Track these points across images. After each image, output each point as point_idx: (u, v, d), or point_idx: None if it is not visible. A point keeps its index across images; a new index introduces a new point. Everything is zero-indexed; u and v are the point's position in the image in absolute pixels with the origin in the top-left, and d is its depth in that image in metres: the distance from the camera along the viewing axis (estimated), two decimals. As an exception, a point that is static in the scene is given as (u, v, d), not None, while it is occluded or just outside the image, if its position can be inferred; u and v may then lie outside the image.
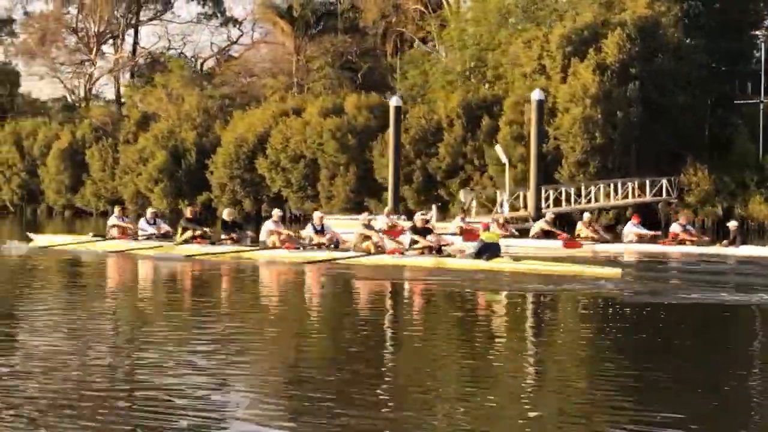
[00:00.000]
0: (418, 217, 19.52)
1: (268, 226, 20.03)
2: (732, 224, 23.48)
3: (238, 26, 79.73)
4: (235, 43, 79.72)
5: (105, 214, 50.00)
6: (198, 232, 20.74)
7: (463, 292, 14.30)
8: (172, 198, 49.99)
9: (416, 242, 18.35)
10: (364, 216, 21.85)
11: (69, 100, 76.45)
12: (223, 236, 20.74)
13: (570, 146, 36.97)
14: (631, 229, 24.20)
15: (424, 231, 18.83)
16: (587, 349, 9.31)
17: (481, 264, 16.86)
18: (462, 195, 35.00)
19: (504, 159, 34.65)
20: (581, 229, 24.25)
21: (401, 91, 50.84)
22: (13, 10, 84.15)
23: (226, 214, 22.22)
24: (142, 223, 22.51)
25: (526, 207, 34.92)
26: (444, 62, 50.42)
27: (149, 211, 23.28)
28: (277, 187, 45.78)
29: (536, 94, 33.41)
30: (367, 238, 18.83)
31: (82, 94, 76.90)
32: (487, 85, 43.96)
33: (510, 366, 8.23)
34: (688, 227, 24.39)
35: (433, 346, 9.40)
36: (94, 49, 75.60)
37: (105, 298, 13.79)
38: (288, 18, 62.13)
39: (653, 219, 33.78)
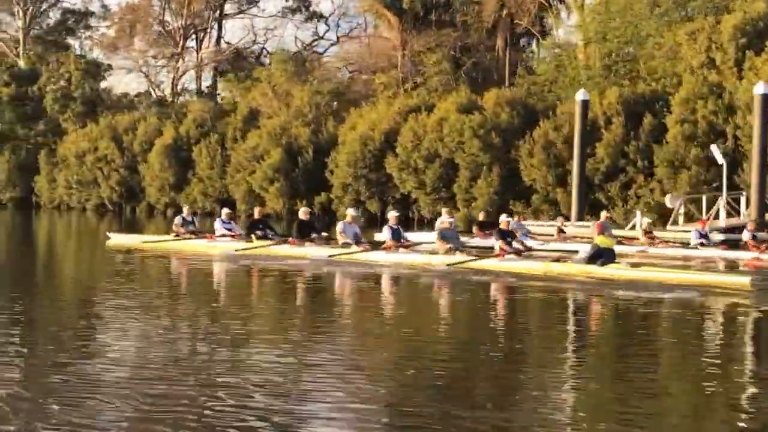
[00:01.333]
0: (503, 219, 19.83)
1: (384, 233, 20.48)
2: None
3: (324, 21, 77.55)
4: (322, 38, 77.57)
5: (210, 215, 47.80)
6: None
7: (591, 300, 14.39)
8: (287, 198, 47.26)
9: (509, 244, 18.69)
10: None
11: (153, 95, 74.32)
12: (297, 237, 20.85)
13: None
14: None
15: (507, 234, 19.17)
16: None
17: (595, 270, 16.34)
18: (668, 200, 31.87)
19: (720, 160, 31.53)
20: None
21: (524, 86, 47.90)
22: (90, 1, 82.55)
23: (302, 213, 22.13)
24: (217, 223, 23.20)
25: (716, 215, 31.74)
26: (576, 56, 47.33)
27: (224, 212, 23.93)
28: (407, 187, 42.90)
29: (761, 88, 29.90)
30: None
31: (167, 89, 74.83)
32: (642, 81, 40.68)
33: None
34: None
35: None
36: (181, 43, 73.37)
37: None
38: (395, 10, 59.45)
39: None
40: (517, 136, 40.04)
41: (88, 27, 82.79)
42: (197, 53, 74.72)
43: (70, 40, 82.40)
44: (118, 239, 24.31)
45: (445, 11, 60.07)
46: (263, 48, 79.22)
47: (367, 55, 60.89)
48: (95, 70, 65.97)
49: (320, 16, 78.41)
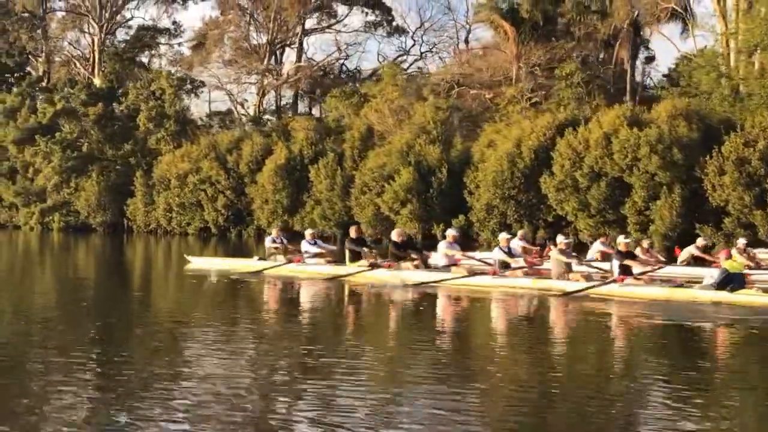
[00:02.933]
0: (622, 241, 18.98)
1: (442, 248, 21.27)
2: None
3: (410, 35, 74.06)
4: (407, 53, 74.11)
5: (328, 239, 44.54)
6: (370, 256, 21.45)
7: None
8: (422, 221, 43.66)
9: (627, 267, 17.93)
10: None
11: (235, 113, 71.14)
12: (395, 257, 21.13)
13: None
14: None
15: (629, 255, 18.56)
16: None
17: (727, 296, 15.91)
18: None
19: None
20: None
21: (669, 98, 44.28)
22: (160, 18, 79.41)
23: (395, 235, 22.14)
24: (304, 244, 23.18)
25: None
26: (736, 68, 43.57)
27: (308, 233, 24.32)
28: (566, 209, 39.24)
29: None
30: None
31: (250, 107, 71.48)
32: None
33: None
34: None
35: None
36: (266, 59, 70.02)
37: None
38: (511, 20, 55.95)
39: None
40: (700, 152, 36.30)
41: (161, 43, 79.94)
42: (278, 70, 71.40)
43: (143, 58, 79.68)
44: (197, 263, 25.07)
45: (563, 21, 56.57)
46: (343, 64, 76.12)
47: (478, 69, 57.14)
48: (188, 87, 62.74)
49: (403, 31, 75.11)
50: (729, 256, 17.33)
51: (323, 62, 73.15)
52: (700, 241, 24.94)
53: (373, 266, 20.98)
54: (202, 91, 65.91)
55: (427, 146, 46.31)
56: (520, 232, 27.81)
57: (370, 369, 10.39)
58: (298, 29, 70.95)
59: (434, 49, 72.76)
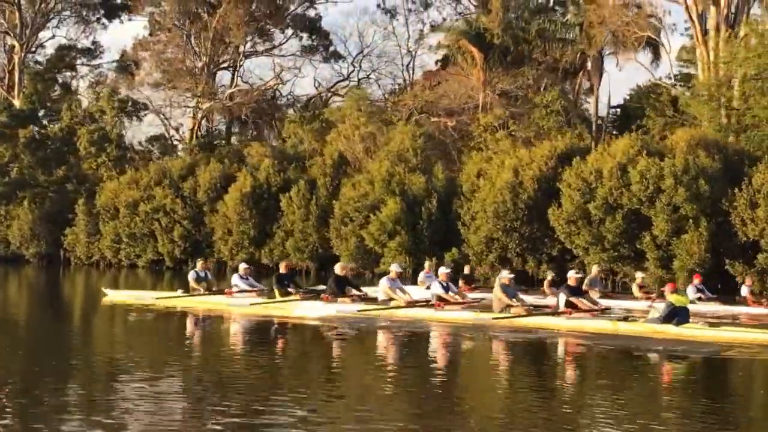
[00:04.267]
0: (572, 275, 18.94)
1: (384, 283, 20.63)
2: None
3: (351, 62, 71.46)
4: (347, 79, 71.50)
5: (304, 273, 42.12)
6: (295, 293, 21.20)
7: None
8: (411, 254, 41.07)
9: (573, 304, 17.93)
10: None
11: (169, 139, 67.35)
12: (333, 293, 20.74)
13: None
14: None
15: (578, 291, 18.61)
16: None
17: (672, 330, 16.03)
18: None
19: None
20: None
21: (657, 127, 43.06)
22: (78, 39, 74.85)
23: (338, 268, 21.78)
24: (235, 278, 22.79)
25: None
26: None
27: (242, 267, 23.50)
28: (576, 243, 37.24)
29: None
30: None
31: (185, 132, 67.80)
32: None
33: None
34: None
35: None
36: (203, 83, 66.35)
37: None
38: (478, 45, 54.05)
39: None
40: (724, 183, 34.81)
41: (87, 64, 75.47)
42: (216, 93, 67.90)
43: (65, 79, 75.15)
44: (115, 296, 24.43)
45: (528, 48, 54.91)
46: (276, 89, 73.04)
47: (441, 96, 54.82)
48: (131, 110, 58.80)
49: (340, 56, 72.56)
50: (675, 290, 17.35)
51: (263, 87, 69.94)
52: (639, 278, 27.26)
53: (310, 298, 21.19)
54: (145, 114, 61.73)
55: (410, 175, 43.85)
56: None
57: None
58: (239, 50, 67.73)
59: (372, 76, 70.53)
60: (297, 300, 21.15)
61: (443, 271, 21.09)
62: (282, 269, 22.68)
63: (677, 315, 16.36)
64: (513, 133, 48.10)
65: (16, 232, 56.61)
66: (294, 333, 19.06)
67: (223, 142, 66.28)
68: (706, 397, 11.09)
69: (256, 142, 56.06)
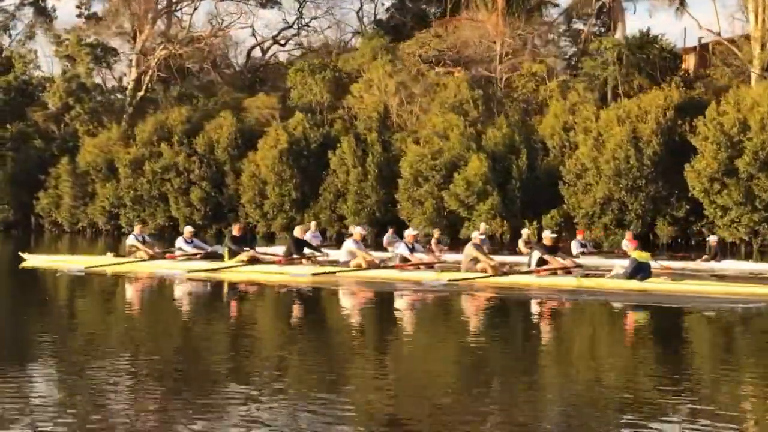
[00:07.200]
0: (547, 235, 18.99)
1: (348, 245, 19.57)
2: (712, 239, 25.25)
3: (297, 10, 65.74)
4: (290, 27, 65.87)
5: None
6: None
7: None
8: (502, 218, 36.83)
9: (545, 262, 17.90)
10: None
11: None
12: (294, 255, 19.91)
13: None
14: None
15: (554, 249, 18.49)
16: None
17: (637, 285, 16.32)
18: None
19: None
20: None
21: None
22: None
23: (298, 231, 21.29)
24: (179, 241, 21.45)
25: None
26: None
27: (187, 230, 22.09)
28: (717, 203, 33.94)
29: None
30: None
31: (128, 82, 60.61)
32: None
33: None
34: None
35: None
36: (147, 30, 59.08)
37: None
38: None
39: None
40: None
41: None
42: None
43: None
44: (34, 261, 22.00)
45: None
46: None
47: (463, 43, 50.14)
48: (100, 54, 51.36)
49: (276, 2, 66.66)
50: (637, 247, 17.38)
51: (214, 32, 63.21)
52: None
53: (252, 261, 19.69)
54: (116, 61, 54.31)
55: (488, 128, 39.55)
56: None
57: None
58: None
59: (314, 23, 65.18)
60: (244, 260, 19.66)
61: (409, 232, 20.07)
62: (235, 231, 21.34)
63: (641, 271, 16.48)
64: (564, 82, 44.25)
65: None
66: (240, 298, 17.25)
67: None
68: (665, 345, 11.44)
69: (262, 93, 49.73)
